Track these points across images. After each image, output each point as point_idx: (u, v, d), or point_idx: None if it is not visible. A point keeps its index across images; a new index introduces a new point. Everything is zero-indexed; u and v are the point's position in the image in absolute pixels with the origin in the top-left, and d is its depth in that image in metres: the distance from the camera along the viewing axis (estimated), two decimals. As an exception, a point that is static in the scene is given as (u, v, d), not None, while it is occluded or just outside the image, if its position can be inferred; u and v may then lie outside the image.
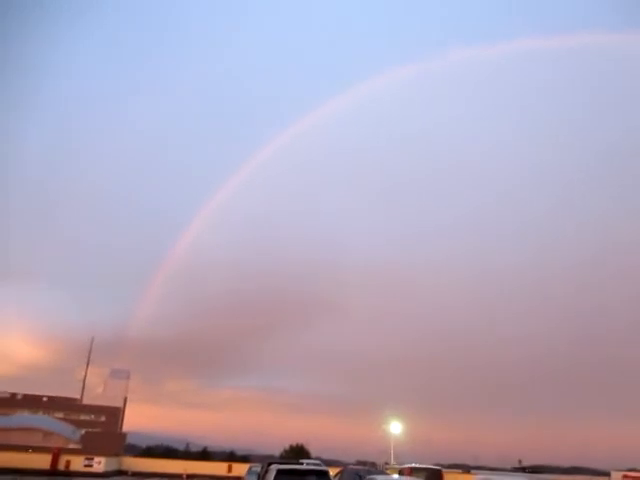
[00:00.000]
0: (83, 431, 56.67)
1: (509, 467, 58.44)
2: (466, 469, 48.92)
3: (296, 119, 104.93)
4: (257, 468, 27.92)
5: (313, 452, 62.27)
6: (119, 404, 67.37)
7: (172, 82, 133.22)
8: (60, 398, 67.00)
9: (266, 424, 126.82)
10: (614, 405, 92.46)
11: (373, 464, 42.46)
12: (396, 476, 21.62)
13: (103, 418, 64.16)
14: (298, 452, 60.41)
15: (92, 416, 64.25)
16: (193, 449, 75.04)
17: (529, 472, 48.92)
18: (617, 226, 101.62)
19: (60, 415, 62.73)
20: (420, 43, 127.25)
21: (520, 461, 61.12)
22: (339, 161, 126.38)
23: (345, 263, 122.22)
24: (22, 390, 66.25)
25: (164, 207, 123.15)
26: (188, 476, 46.04)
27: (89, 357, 70.28)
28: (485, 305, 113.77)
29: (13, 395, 64.96)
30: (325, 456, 58.64)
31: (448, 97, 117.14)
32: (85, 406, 65.95)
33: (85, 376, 70.05)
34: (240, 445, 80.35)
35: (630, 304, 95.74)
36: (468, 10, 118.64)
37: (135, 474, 45.77)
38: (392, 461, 46.90)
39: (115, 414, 65.67)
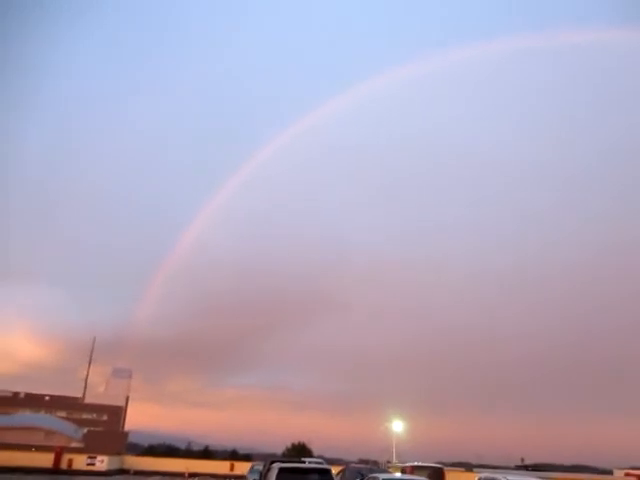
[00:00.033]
0: (85, 430, 56.83)
1: (512, 465, 58.42)
2: (468, 467, 48.85)
3: (296, 119, 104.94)
4: (259, 467, 27.93)
5: (315, 450, 62.39)
6: (121, 403, 67.48)
7: (172, 82, 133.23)
8: (62, 397, 67.13)
9: (268, 423, 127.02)
10: (617, 403, 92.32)
11: (375, 462, 42.34)
12: (398, 474, 21.60)
13: (105, 417, 64.26)
14: (300, 450, 60.47)
15: (94, 415, 64.35)
16: (195, 448, 75.11)
17: (531, 470, 48.94)
18: (618, 224, 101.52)
19: (62, 414, 62.83)
20: (420, 41, 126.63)
21: (522, 459, 61.14)
22: (339, 160, 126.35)
23: (346, 261, 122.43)
24: (24, 389, 66.45)
25: (165, 207, 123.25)
26: (190, 475, 46.09)
27: (91, 356, 70.41)
28: (485, 303, 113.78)
29: (15, 394, 65.09)
30: (327, 454, 58.77)
31: (448, 95, 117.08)
32: (87, 405, 66.06)
33: (87, 375, 70.21)
34: (242, 444, 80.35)
35: (632, 302, 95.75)
36: (468, 8, 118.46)
37: (137, 473, 45.86)
38: (394, 459, 46.87)
39: (117, 413, 65.76)
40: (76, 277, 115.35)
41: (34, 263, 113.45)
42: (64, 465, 40.81)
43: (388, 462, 44.43)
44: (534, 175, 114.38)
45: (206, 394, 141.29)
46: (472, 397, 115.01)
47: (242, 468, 43.10)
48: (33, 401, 64.30)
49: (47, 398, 65.56)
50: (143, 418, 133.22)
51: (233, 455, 68.21)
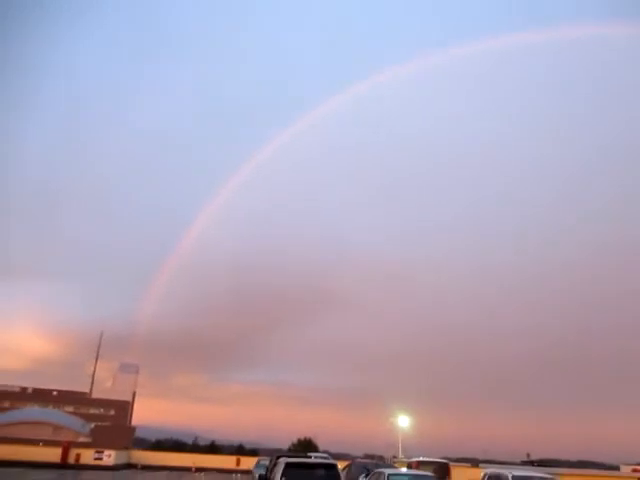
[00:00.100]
0: (93, 425, 57.11)
1: (517, 461, 58.30)
2: (474, 463, 48.80)
3: (296, 118, 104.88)
4: (265, 461, 28.04)
5: (321, 445, 62.52)
6: (128, 398, 67.88)
7: (172, 82, 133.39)
8: (70, 392, 67.57)
9: (274, 418, 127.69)
10: (623, 399, 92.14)
11: (381, 458, 42.47)
12: (404, 469, 21.63)
13: (112, 412, 64.66)
14: (306, 446, 60.61)
15: (101, 410, 64.78)
16: (201, 443, 75.39)
17: (537, 466, 48.81)
18: (618, 223, 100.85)
19: (70, 409, 63.25)
20: (419, 39, 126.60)
21: (528, 455, 60.94)
22: (339, 160, 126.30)
23: (347, 260, 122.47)
24: (32, 384, 67.02)
25: (170, 205, 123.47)
26: (197, 469, 46.32)
27: (98, 352, 70.84)
28: (487, 301, 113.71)
29: (23, 389, 65.61)
30: (333, 449, 58.93)
31: (447, 92, 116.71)
32: (94, 400, 66.46)
33: (94, 370, 70.67)
34: (248, 439, 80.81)
35: (633, 298, 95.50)
36: (466, 4, 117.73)
37: (144, 467, 46.08)
38: (400, 455, 46.91)
39: (124, 408, 66.15)
40: (83, 274, 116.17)
41: (42, 261, 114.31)
42: (72, 460, 41.03)
43: (394, 457, 44.47)
44: (534, 171, 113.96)
45: (212, 389, 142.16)
46: (478, 393, 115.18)
47: (248, 463, 43.24)
48: (41, 396, 64.77)
49: (55, 393, 66.02)
50: (150, 413, 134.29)
51: (239, 450, 68.46)
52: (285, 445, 65.30)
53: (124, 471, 42.32)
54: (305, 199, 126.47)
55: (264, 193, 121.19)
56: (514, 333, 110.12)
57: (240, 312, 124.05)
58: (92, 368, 70.67)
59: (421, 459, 27.40)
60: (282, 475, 13.61)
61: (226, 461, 50.67)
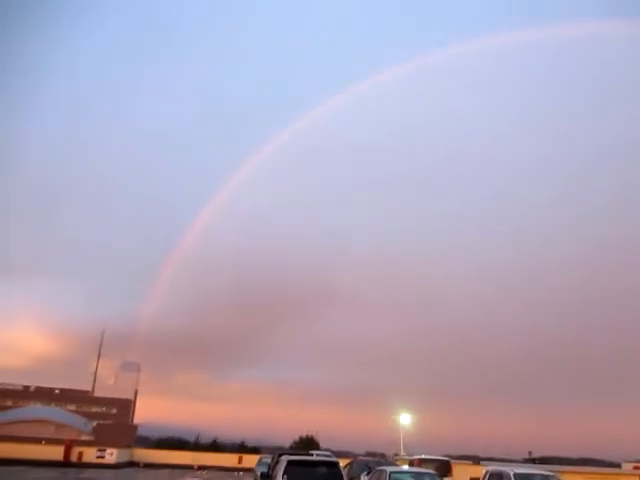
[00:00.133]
0: (95, 423, 57.27)
1: (519, 459, 58.49)
2: (476, 460, 48.87)
3: (296, 117, 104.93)
4: (267, 459, 28.10)
5: (323, 443, 62.59)
6: (130, 396, 68.01)
7: (172, 82, 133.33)
8: (72, 390, 67.74)
9: (276, 416, 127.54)
10: (623, 396, 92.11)
11: (383, 455, 42.54)
12: (406, 467, 21.67)
13: (114, 410, 64.78)
14: (308, 443, 60.73)
15: (103, 408, 64.89)
16: (203, 441, 75.49)
17: (539, 463, 48.91)
18: (618, 220, 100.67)
19: (72, 407, 63.40)
20: (417, 36, 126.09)
21: (530, 453, 61.16)
22: (339, 158, 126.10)
23: (349, 256, 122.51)
24: (34, 383, 67.15)
25: (171, 204, 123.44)
26: (199, 467, 46.45)
27: (100, 350, 70.89)
28: (486, 298, 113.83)
29: (26, 388, 65.77)
30: (334, 447, 58.83)
31: (447, 91, 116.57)
32: (97, 398, 66.59)
33: (96, 369, 70.72)
34: (250, 437, 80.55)
35: (633, 296, 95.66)
36: (467, 2, 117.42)
37: (147, 465, 46.23)
38: (402, 452, 47.04)
39: (126, 406, 66.28)
40: (84, 273, 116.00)
41: (42, 260, 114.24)
42: (74, 458, 41.18)
43: (396, 455, 44.60)
44: (533, 172, 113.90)
45: (214, 387, 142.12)
46: (479, 391, 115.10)
47: (250, 461, 43.37)
48: (43, 394, 64.93)
49: (57, 391, 66.19)
50: (152, 411, 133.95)
51: (241, 448, 68.51)
52: (287, 443, 65.43)
53: (126, 469, 42.46)
54: (306, 197, 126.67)
55: (264, 193, 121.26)
56: (514, 331, 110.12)
57: (241, 310, 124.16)
58: (94, 366, 70.80)
59: (423, 457, 27.43)
60: (284, 473, 13.62)
61: (228, 459, 50.82)
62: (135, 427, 64.38)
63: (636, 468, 43.19)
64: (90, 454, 42.00)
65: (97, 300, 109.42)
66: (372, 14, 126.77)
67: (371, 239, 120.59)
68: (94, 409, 64.31)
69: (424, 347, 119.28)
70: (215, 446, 69.10)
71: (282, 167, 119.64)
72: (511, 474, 16.03)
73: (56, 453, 40.68)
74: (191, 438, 77.66)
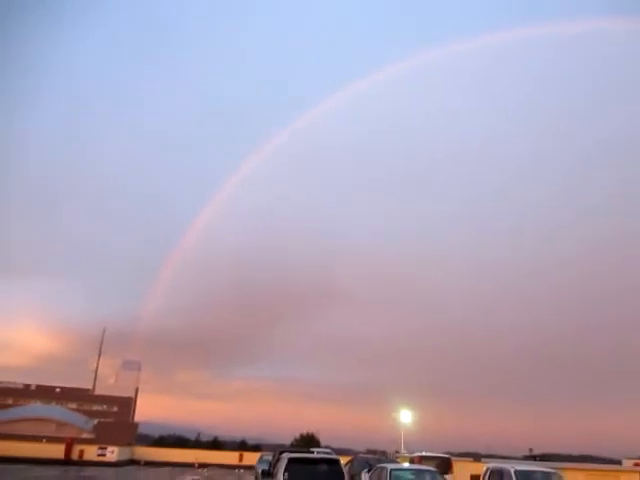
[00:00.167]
0: (96, 421, 57.33)
1: (520, 456, 58.39)
2: (477, 457, 48.90)
3: (296, 117, 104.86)
4: (268, 457, 28.09)
5: (323, 441, 62.73)
6: (131, 394, 68.09)
7: (172, 82, 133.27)
8: (73, 389, 67.79)
9: (277, 414, 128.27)
10: (623, 393, 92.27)
11: (383, 453, 42.52)
12: (406, 464, 21.67)
13: (115, 408, 64.85)
14: (308, 441, 60.84)
15: (104, 406, 64.96)
16: (204, 439, 75.65)
17: (539, 460, 48.89)
18: (616, 217, 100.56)
19: (73, 405, 63.51)
20: (415, 33, 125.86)
21: (531, 450, 61.02)
22: (340, 157, 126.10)
23: (349, 255, 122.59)
24: (35, 381, 67.22)
25: (171, 203, 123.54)
26: (200, 465, 46.50)
27: (101, 348, 70.96)
28: (485, 297, 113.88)
29: (27, 386, 65.82)
30: (335, 445, 58.93)
31: (446, 89, 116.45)
32: (97, 396, 66.69)
33: (97, 367, 70.85)
34: (251, 434, 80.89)
35: (632, 293, 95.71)
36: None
37: (147, 463, 46.31)
38: (402, 450, 46.99)
39: (127, 404, 66.35)
40: (85, 272, 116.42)
41: (43, 259, 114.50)
42: (75, 456, 41.24)
43: (396, 452, 44.54)
44: (532, 169, 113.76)
45: (215, 385, 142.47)
46: (479, 389, 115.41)
47: (251, 458, 43.41)
48: (44, 393, 64.98)
49: (58, 390, 66.23)
50: (153, 409, 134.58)
51: (242, 446, 68.67)
52: (288, 441, 65.57)
53: (127, 467, 42.52)
54: (306, 195, 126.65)
55: (264, 193, 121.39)
56: (514, 329, 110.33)
57: (242, 308, 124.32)
58: (95, 365, 70.95)
59: (423, 454, 27.46)
60: (285, 470, 13.62)
61: (229, 457, 50.92)
62: (136, 425, 64.45)
63: (637, 465, 43.17)
64: (91, 452, 42.06)
65: (98, 299, 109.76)
66: (372, 13, 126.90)
67: (371, 238, 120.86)
68: (95, 407, 64.39)
69: (424, 345, 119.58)
70: (216, 444, 69.27)
71: (282, 167, 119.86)
72: (512, 471, 16.01)
73: (57, 451, 40.74)
74: (192, 436, 77.98)
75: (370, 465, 19.99)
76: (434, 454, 27.71)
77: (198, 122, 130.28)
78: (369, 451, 48.44)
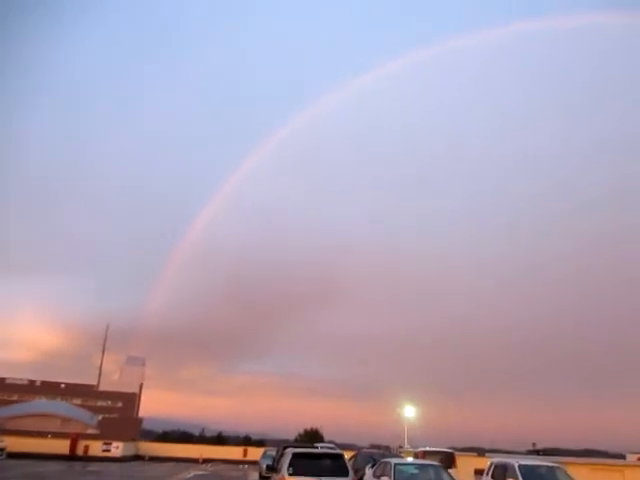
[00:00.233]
0: (100, 417, 57.55)
1: (523, 450, 58.56)
2: (481, 452, 48.97)
3: (297, 114, 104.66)
4: (272, 452, 28.19)
5: (327, 436, 62.97)
6: (135, 390, 68.39)
7: (172, 82, 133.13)
8: (77, 385, 68.08)
9: (281, 409, 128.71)
10: (622, 388, 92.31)
11: (387, 448, 42.59)
12: (410, 459, 21.70)
13: (120, 404, 65.16)
14: (312, 436, 61.03)
15: (109, 402, 65.30)
16: (208, 434, 75.92)
17: (543, 455, 48.93)
18: (614, 212, 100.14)
19: (78, 401, 63.79)
20: (413, 30, 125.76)
21: (534, 444, 61.19)
22: (341, 154, 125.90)
23: (351, 252, 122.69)
24: (40, 377, 67.62)
25: (171, 201, 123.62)
26: (204, 460, 46.65)
27: (105, 344, 71.23)
28: (485, 292, 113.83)
29: (32, 382, 66.18)
30: (339, 440, 59.13)
31: (444, 86, 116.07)
32: (102, 392, 66.98)
33: (101, 363, 71.15)
34: (255, 430, 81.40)
35: (630, 287, 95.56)
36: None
37: (152, 459, 46.45)
38: (406, 445, 47.07)
39: (131, 400, 66.65)
40: (89, 269, 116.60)
41: (47, 256, 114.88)
42: (80, 451, 41.36)
43: (400, 447, 44.62)
44: (530, 165, 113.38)
45: (219, 381, 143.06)
46: (484, 383, 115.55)
47: (255, 454, 43.47)
48: (49, 389, 65.31)
49: (63, 386, 66.55)
50: (157, 405, 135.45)
51: (246, 441, 68.88)
52: (292, 436, 65.84)
53: (132, 462, 42.67)
54: (306, 194, 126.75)
55: (266, 192, 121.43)
56: (515, 324, 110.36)
57: (246, 304, 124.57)
58: (99, 361, 71.24)
59: (427, 449, 27.45)
60: (289, 465, 13.65)
61: (233, 452, 51.04)
62: (140, 421, 64.66)
63: (640, 459, 43.18)
64: (96, 447, 42.19)
65: (101, 296, 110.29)
66: (370, 11, 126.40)
67: (372, 235, 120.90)
68: (99, 403, 64.73)
69: (427, 340, 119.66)
70: (220, 439, 69.50)
71: (282, 166, 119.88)
72: (516, 465, 16.04)
73: (62, 447, 40.87)
74: (196, 432, 78.29)
75: (374, 460, 20.03)
76: (438, 449, 27.68)
77: (198, 122, 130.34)
78: (373, 446, 48.59)
